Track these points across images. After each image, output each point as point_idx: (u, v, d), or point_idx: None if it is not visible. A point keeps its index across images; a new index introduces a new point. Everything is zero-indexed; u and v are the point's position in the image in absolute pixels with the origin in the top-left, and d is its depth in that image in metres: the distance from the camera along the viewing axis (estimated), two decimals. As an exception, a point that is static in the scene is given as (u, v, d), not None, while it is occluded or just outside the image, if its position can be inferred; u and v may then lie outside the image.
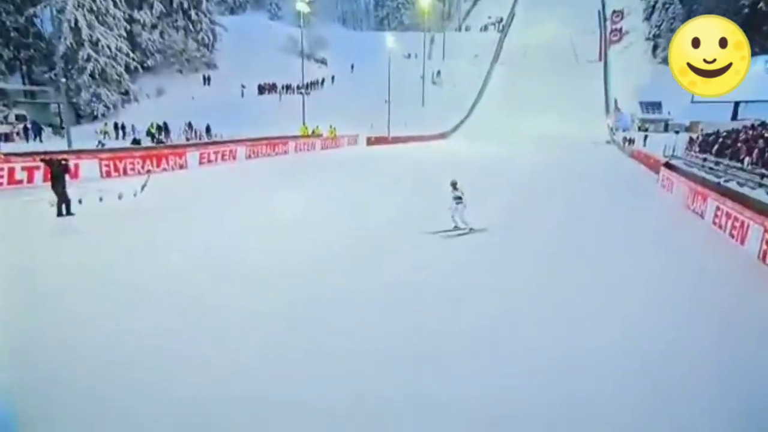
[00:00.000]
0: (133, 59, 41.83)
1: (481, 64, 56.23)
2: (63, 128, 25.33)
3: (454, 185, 10.34)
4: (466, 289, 7.15)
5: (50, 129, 32.29)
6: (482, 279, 7.62)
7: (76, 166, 14.75)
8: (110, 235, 9.51)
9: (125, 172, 16.92)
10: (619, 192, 17.29)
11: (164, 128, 31.97)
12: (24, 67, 40.04)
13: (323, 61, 55.66)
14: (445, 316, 6.20)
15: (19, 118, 31.67)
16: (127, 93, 41.98)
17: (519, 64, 54.48)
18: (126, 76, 41.22)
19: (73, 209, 10.93)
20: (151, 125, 30.77)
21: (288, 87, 47.17)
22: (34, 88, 38.73)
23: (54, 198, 10.83)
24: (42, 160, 12.32)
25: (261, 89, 48.00)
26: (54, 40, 29.57)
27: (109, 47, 38.99)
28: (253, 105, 43.60)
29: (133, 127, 33.54)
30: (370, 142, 35.83)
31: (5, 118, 30.98)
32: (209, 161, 21.13)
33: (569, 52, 54.18)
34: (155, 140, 26.13)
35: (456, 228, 10.28)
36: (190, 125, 34.97)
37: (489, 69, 55.88)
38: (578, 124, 41.73)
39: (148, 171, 17.05)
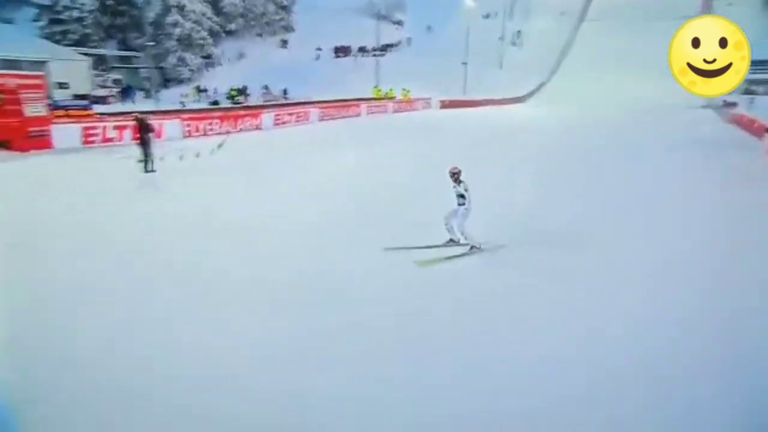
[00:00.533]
0: (217, 23, 43.41)
1: (567, 22, 52.49)
2: (150, 91, 26.99)
3: (455, 176, 7.02)
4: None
5: (142, 93, 34.72)
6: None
7: (160, 126, 15.68)
8: (183, 194, 9.98)
9: (205, 133, 17.79)
10: (715, 162, 15.59)
11: (243, 91, 33.33)
12: (120, 34, 42.78)
13: (400, 23, 54.69)
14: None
15: (116, 82, 34.54)
16: (209, 57, 43.85)
17: (609, 21, 50.07)
18: (209, 39, 42.96)
19: (155, 167, 11.75)
20: (232, 89, 32.19)
21: (363, 49, 47.01)
22: (128, 53, 41.37)
23: (140, 155, 11.71)
24: (135, 119, 13.24)
25: (336, 51, 48.23)
26: (144, 6, 31.21)
27: (194, 11, 40.67)
28: (328, 68, 43.97)
29: (215, 89, 35.16)
30: (444, 105, 35.03)
31: (104, 82, 33.62)
32: (283, 123, 21.73)
33: (666, 7, 49.12)
34: (234, 102, 27.30)
35: (451, 242, 7.38)
36: (266, 88, 36.10)
37: (575, 28, 52.06)
38: (672, 87, 37.97)
39: (227, 132, 17.85)
